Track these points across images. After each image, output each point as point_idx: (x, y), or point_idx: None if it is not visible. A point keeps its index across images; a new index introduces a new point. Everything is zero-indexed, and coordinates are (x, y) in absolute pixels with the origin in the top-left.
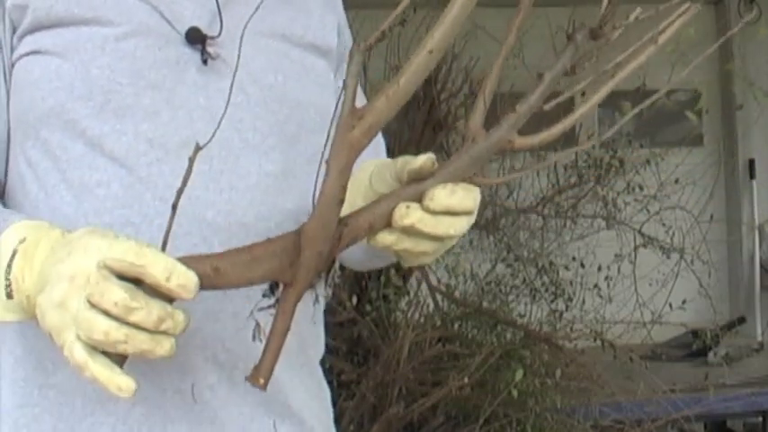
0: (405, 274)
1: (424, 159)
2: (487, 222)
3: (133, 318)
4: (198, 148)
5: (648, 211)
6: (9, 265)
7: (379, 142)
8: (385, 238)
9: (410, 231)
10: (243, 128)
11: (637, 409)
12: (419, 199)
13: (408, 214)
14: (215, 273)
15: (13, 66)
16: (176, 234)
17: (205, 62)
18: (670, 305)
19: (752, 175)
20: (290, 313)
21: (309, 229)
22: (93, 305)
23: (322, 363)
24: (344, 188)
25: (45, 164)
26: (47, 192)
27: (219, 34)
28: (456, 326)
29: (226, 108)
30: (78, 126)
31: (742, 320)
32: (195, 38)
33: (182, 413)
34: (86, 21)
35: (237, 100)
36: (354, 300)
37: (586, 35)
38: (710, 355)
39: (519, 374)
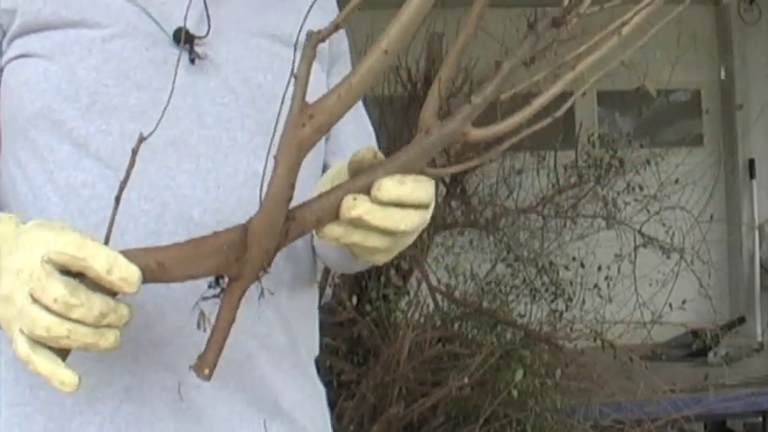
0: (405, 274)
1: (365, 150)
2: (487, 222)
3: (74, 314)
4: (141, 140)
5: (648, 211)
6: None
7: (369, 136)
8: (333, 230)
9: (358, 224)
10: (231, 127)
11: (637, 409)
12: (368, 191)
13: (356, 206)
14: (159, 267)
15: (2, 70)
16: (162, 232)
17: (192, 62)
18: (670, 305)
19: (752, 175)
20: (235, 306)
21: (256, 226)
22: (35, 300)
23: (320, 362)
24: (292, 186)
25: (33, 165)
26: (35, 193)
27: (207, 34)
28: (456, 326)
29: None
30: (65, 127)
31: (742, 320)
32: (183, 38)
33: (169, 411)
34: (74, 23)
35: (226, 99)
36: (354, 300)
37: (548, 24)
38: (710, 355)
39: (519, 374)
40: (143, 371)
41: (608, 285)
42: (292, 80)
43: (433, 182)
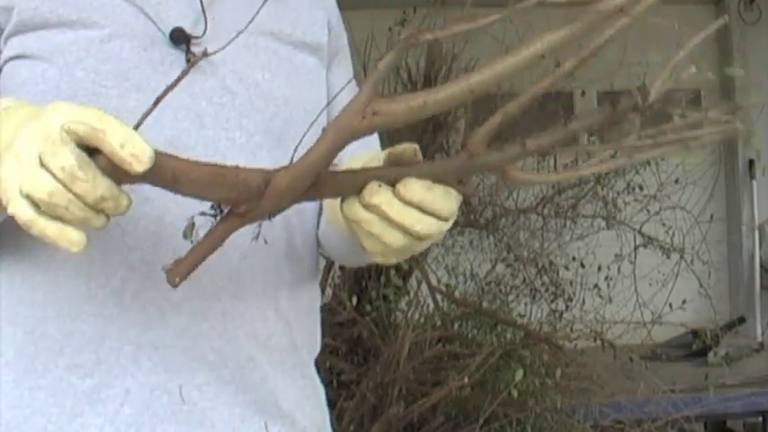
0: (405, 274)
1: (407, 146)
2: (487, 222)
3: (76, 188)
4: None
5: (648, 211)
6: None
7: (374, 136)
8: (358, 212)
9: (375, 212)
10: (229, 127)
11: (637, 409)
12: (395, 184)
13: (378, 193)
14: (172, 176)
15: (0, 69)
16: (163, 234)
17: (189, 62)
18: (670, 305)
19: (752, 175)
20: (226, 235)
21: (280, 181)
22: (42, 164)
23: (320, 362)
24: (328, 163)
25: None
26: None
27: (204, 34)
28: (456, 326)
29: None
30: None
31: (742, 320)
32: (179, 38)
33: (170, 413)
34: (71, 23)
35: (223, 99)
36: (354, 300)
37: (629, 106)
38: (710, 355)
39: (519, 374)
40: (144, 373)
41: (608, 285)
42: (291, 79)
43: (459, 199)
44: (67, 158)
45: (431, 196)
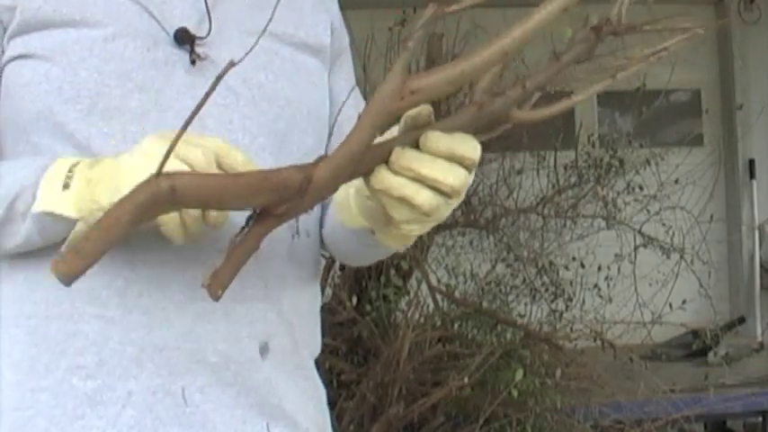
0: (405, 274)
1: (422, 107)
2: (487, 222)
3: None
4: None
5: (648, 211)
6: (73, 165)
7: None
8: (387, 178)
9: (408, 174)
10: (233, 128)
11: (637, 409)
12: (417, 147)
13: (405, 154)
14: (219, 203)
15: (3, 69)
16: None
17: (193, 63)
18: (670, 305)
19: (752, 175)
20: (263, 236)
21: (322, 176)
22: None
23: (320, 362)
24: (369, 148)
25: None
26: None
27: (208, 34)
28: (456, 326)
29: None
30: (66, 129)
31: (742, 320)
32: (183, 38)
33: (173, 416)
34: (74, 22)
35: (227, 101)
36: (354, 300)
37: (610, 29)
38: (710, 355)
39: (519, 374)
40: (146, 375)
41: (608, 285)
42: (293, 80)
43: (479, 143)
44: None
45: (455, 142)
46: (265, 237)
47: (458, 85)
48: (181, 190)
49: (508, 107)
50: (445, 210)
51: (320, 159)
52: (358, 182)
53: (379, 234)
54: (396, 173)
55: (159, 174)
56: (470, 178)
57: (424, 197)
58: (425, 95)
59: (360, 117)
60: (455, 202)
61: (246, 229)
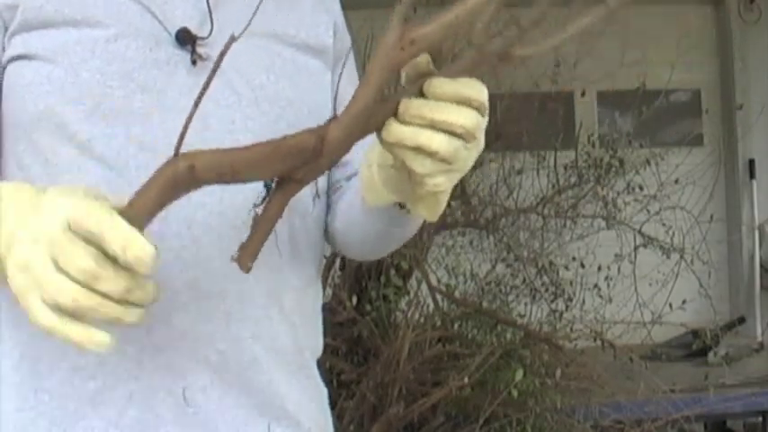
0: (405, 274)
1: (421, 57)
2: (487, 222)
3: (101, 286)
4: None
5: (648, 211)
6: None
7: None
8: (399, 130)
9: (417, 122)
10: (235, 129)
11: (637, 409)
12: (422, 95)
13: (411, 103)
14: (232, 173)
15: (4, 68)
16: (166, 235)
17: (194, 63)
18: (670, 305)
19: (752, 175)
20: (285, 203)
21: (334, 136)
22: (59, 269)
23: (320, 362)
24: (376, 103)
25: (36, 168)
26: None
27: (210, 35)
28: (456, 326)
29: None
30: (69, 129)
31: (742, 320)
32: (185, 39)
33: (174, 416)
34: (76, 22)
35: (229, 101)
36: (354, 300)
37: None
38: (710, 355)
39: (519, 374)
40: (148, 375)
41: (608, 285)
42: (294, 81)
43: (485, 87)
44: (84, 260)
45: (459, 85)
46: (287, 202)
47: (454, 31)
48: (200, 167)
49: (507, 47)
50: (466, 156)
51: (331, 120)
52: (379, 156)
53: (410, 204)
54: (407, 123)
55: (176, 154)
56: (483, 121)
57: (439, 141)
58: (425, 44)
59: (365, 73)
60: (474, 148)
61: (268, 199)
